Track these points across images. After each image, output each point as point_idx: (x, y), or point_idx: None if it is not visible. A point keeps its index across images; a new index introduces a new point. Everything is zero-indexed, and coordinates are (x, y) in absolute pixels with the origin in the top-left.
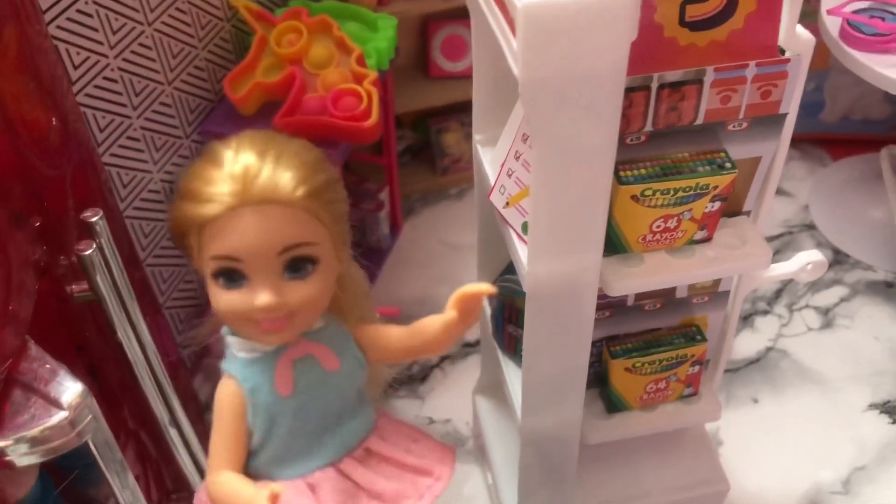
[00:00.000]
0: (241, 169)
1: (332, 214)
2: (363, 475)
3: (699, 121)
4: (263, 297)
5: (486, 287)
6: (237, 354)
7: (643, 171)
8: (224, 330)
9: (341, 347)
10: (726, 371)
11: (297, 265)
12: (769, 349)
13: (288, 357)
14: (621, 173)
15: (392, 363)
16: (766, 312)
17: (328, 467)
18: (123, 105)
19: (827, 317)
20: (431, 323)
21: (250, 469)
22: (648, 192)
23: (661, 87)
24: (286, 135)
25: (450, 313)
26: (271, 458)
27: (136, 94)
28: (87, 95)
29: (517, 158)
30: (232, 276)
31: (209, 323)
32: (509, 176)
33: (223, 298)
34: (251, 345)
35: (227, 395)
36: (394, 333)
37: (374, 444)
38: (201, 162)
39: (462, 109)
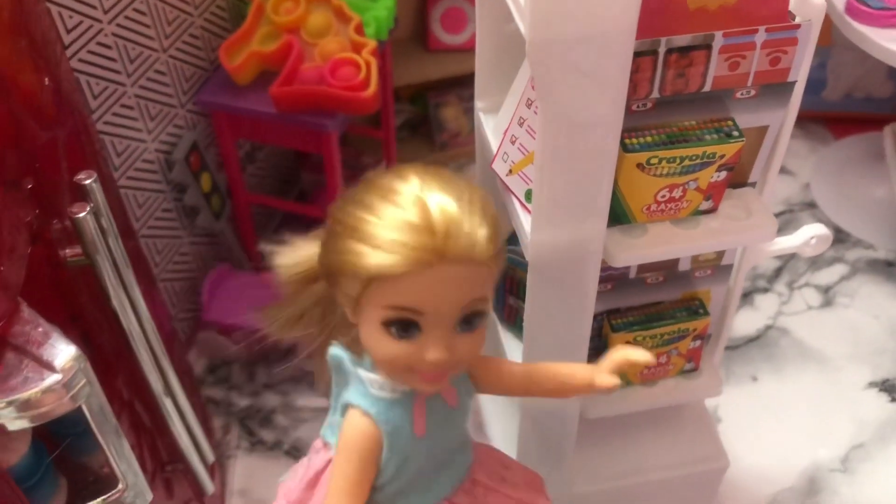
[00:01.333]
0: (443, 223)
1: (501, 268)
2: None
3: (707, 88)
4: (436, 353)
5: (649, 357)
6: (376, 393)
7: (649, 138)
8: (364, 364)
9: (459, 383)
10: (726, 349)
11: (471, 320)
12: (769, 327)
13: (422, 398)
14: (626, 141)
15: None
16: (766, 290)
17: (444, 501)
18: (117, 72)
19: (827, 295)
20: (561, 375)
21: (370, 502)
22: (654, 161)
23: (669, 51)
24: (464, 178)
25: (599, 376)
26: (394, 493)
27: (131, 61)
28: (81, 61)
29: (521, 125)
30: (406, 326)
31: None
32: (513, 143)
33: (391, 348)
34: (392, 384)
35: (364, 436)
36: (515, 372)
37: (476, 473)
38: (378, 200)
39: (461, 83)
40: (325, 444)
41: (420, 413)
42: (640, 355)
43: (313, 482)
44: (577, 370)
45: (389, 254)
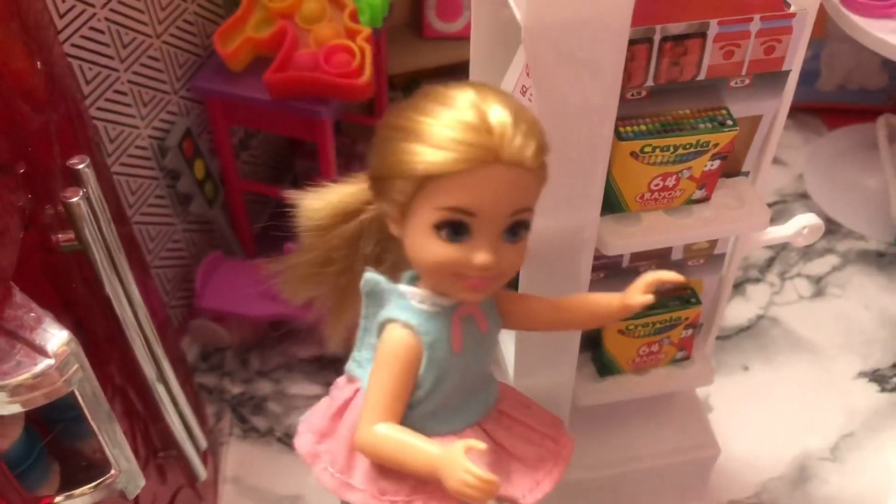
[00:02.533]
0: (500, 125)
1: (544, 184)
2: (503, 436)
3: (701, 76)
4: (484, 256)
5: (680, 277)
6: (417, 306)
7: (643, 127)
8: (404, 281)
9: (489, 311)
10: (717, 338)
11: (516, 229)
12: (760, 317)
13: (459, 315)
14: (621, 129)
15: (528, 331)
16: (757, 280)
17: (475, 426)
18: (111, 57)
19: (819, 286)
20: (590, 301)
21: (404, 421)
22: (648, 149)
23: (664, 39)
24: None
25: (632, 297)
26: (427, 412)
27: (124, 47)
28: (74, 46)
29: None
30: (458, 229)
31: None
32: None
33: (441, 250)
34: (434, 298)
35: (405, 345)
36: (540, 305)
37: (502, 405)
38: (434, 105)
39: (455, 72)
40: (351, 379)
41: (457, 329)
42: (671, 274)
43: (340, 411)
44: (607, 296)
45: (447, 151)
